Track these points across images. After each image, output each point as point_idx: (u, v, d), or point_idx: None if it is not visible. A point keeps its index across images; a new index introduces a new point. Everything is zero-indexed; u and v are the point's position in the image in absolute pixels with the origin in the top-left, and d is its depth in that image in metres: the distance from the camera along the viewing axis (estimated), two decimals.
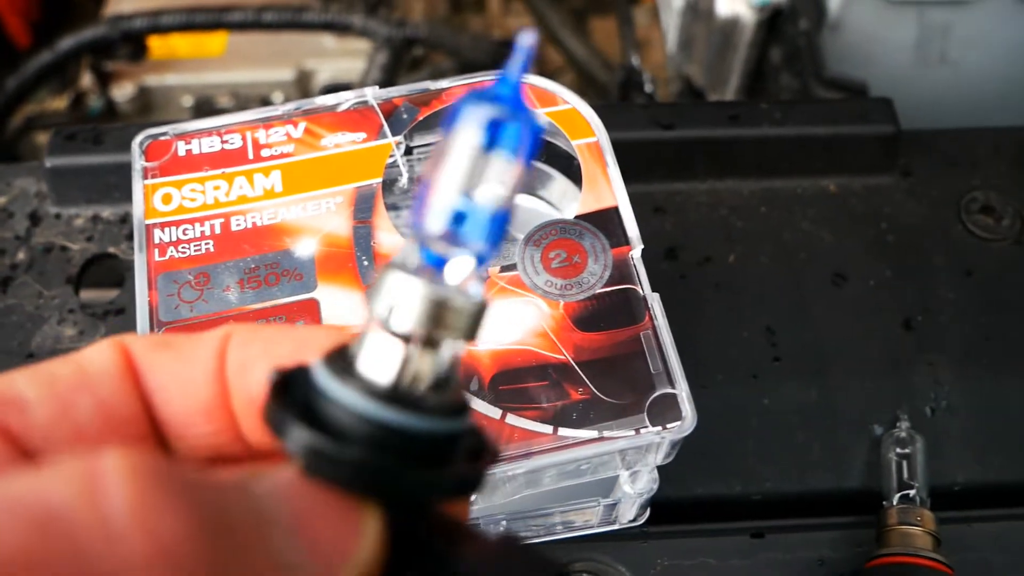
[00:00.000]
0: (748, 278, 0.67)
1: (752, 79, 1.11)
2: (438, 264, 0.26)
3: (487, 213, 0.25)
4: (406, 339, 0.25)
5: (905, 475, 0.59)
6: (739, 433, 0.62)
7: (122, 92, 1.15)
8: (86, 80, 1.17)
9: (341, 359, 0.26)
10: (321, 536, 0.24)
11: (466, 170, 0.25)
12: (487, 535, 0.26)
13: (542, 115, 0.57)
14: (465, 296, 0.25)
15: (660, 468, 0.52)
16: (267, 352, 0.28)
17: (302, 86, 1.19)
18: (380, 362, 0.25)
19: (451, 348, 0.26)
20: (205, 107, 1.17)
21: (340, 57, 1.18)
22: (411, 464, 0.25)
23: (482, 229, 0.25)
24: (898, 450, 0.60)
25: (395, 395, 0.25)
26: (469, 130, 0.25)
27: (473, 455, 0.27)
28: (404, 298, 0.25)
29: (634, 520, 0.58)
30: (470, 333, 0.26)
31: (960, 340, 0.65)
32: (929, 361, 0.64)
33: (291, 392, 0.25)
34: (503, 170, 0.25)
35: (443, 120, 0.25)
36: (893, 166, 0.71)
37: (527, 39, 0.26)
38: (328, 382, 0.25)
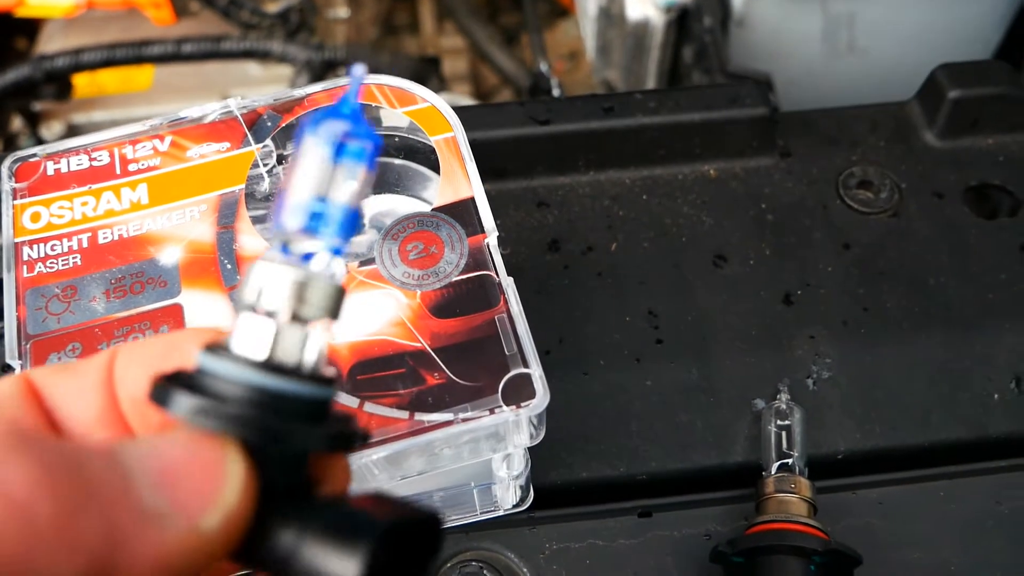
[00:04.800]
0: (630, 264, 0.68)
1: (668, 79, 1.13)
2: (302, 258, 0.30)
3: (338, 210, 0.30)
4: (275, 317, 0.29)
5: (784, 446, 0.60)
6: (623, 416, 0.62)
7: (51, 131, 1.17)
8: (16, 123, 1.19)
9: (218, 345, 0.29)
10: (183, 487, 0.27)
11: (317, 175, 0.30)
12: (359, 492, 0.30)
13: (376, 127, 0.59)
14: (324, 278, 0.30)
15: (542, 453, 0.53)
16: (142, 357, 0.32)
17: None
18: (254, 340, 0.29)
19: (316, 326, 0.30)
20: None
21: (265, 84, 1.20)
22: (284, 420, 0.28)
23: (335, 224, 0.30)
24: (778, 422, 0.61)
25: (269, 365, 0.29)
26: (317, 140, 0.30)
27: (342, 428, 0.31)
28: (271, 281, 0.29)
29: (518, 504, 0.59)
30: (332, 311, 0.30)
31: (839, 312, 0.66)
32: (809, 334, 0.65)
33: (174, 378, 0.29)
34: (349, 173, 0.30)
35: (295, 134, 0.30)
36: (772, 147, 0.73)
37: (359, 71, 0.31)
38: (208, 361, 0.29)
